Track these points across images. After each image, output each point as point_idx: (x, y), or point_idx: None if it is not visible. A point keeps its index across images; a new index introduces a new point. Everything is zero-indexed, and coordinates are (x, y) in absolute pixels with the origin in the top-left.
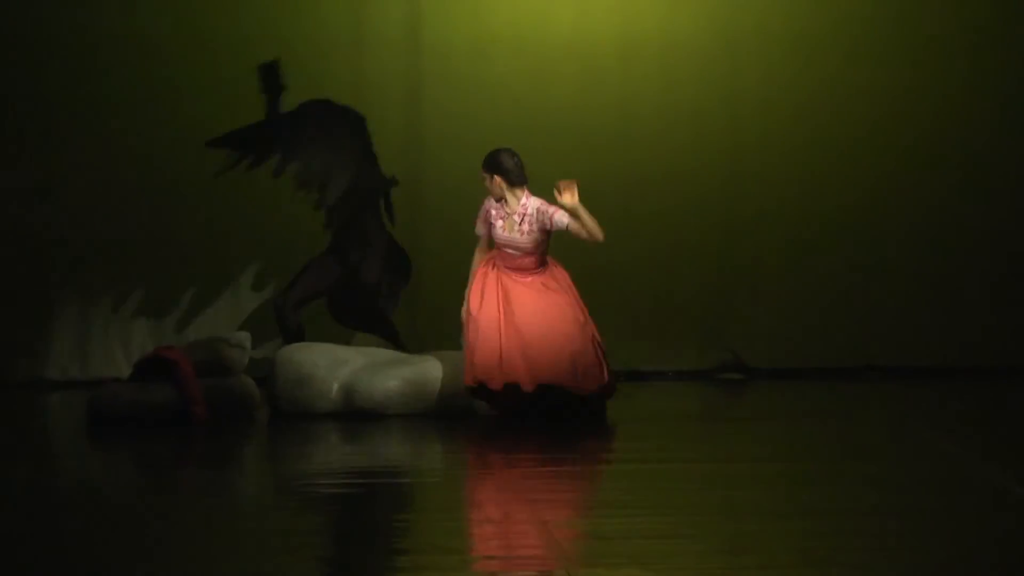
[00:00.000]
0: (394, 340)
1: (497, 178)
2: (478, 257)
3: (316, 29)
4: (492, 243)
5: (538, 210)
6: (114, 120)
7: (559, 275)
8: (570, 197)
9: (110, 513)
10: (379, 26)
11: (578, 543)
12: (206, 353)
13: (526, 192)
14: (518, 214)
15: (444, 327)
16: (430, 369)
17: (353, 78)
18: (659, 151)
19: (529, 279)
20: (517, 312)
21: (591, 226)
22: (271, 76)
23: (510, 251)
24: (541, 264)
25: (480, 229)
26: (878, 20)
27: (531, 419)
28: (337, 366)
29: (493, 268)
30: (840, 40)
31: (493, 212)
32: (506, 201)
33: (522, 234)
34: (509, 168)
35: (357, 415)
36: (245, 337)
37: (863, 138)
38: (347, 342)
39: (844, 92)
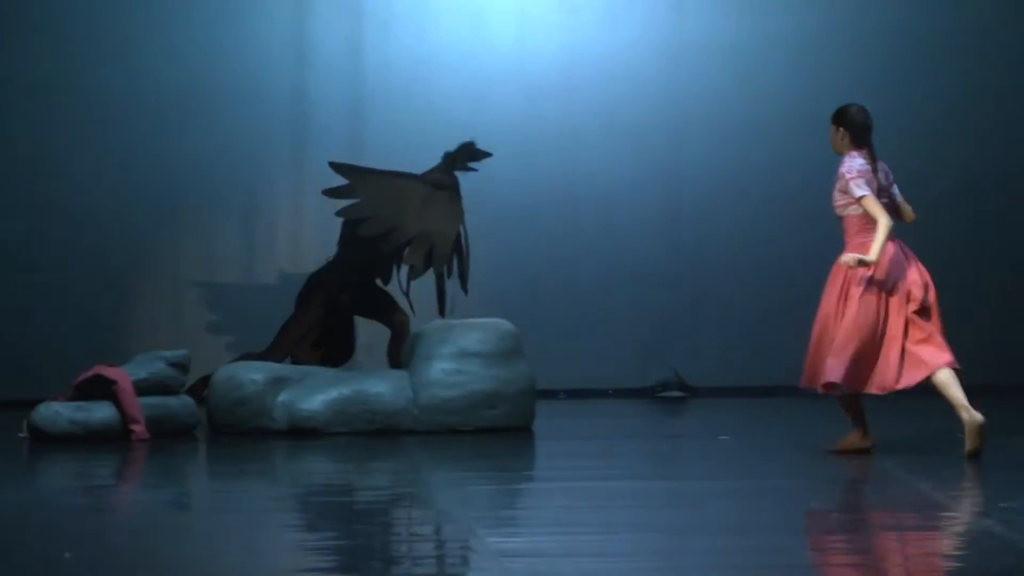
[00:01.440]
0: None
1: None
2: None
3: (260, 47)
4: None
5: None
6: (55, 140)
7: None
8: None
9: (43, 532)
10: (322, 44)
11: (518, 561)
12: (146, 371)
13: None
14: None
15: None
16: (371, 386)
17: (296, 96)
18: (601, 170)
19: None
20: None
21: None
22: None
23: None
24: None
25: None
26: (821, 34)
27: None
28: (276, 384)
29: None
30: (782, 56)
31: None
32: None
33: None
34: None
35: (297, 433)
36: (185, 355)
37: (805, 158)
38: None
39: (787, 110)
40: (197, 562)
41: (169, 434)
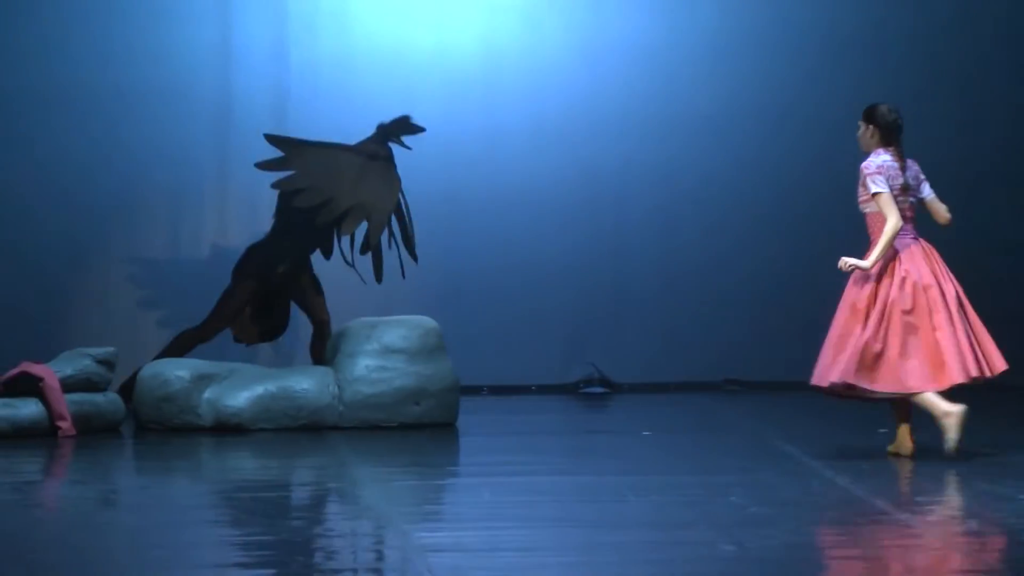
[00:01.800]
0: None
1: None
2: None
3: (185, 47)
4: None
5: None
6: None
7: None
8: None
9: None
10: (247, 41)
11: (442, 556)
12: (73, 368)
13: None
14: None
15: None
16: (296, 383)
17: (222, 92)
18: (523, 166)
19: None
20: None
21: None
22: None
23: None
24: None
25: None
26: (741, 33)
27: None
28: (202, 380)
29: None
30: (697, 54)
31: None
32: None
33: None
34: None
35: (222, 430)
36: (112, 352)
37: (722, 154)
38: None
39: (704, 107)
40: (124, 557)
41: (96, 431)
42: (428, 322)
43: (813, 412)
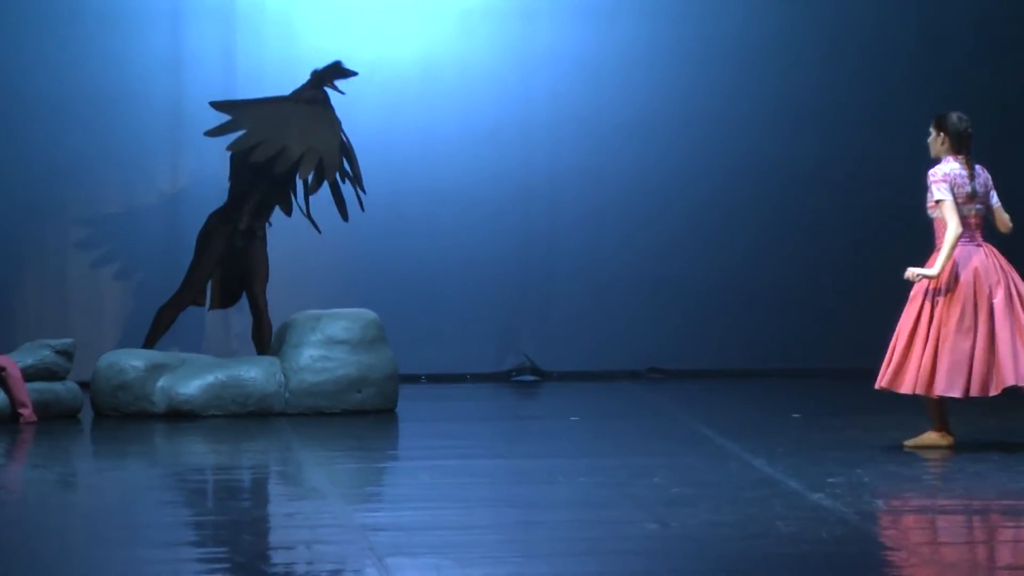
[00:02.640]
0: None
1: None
2: None
3: (139, 51)
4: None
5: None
6: None
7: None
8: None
9: None
10: (196, 51)
11: (382, 535)
12: (33, 359)
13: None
14: None
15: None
16: (244, 372)
17: (174, 96)
18: (458, 168)
19: None
20: None
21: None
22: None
23: None
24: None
25: None
26: (660, 44)
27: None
28: (156, 370)
29: None
30: (625, 64)
31: None
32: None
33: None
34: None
35: (175, 416)
36: (70, 343)
37: (648, 158)
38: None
39: (630, 111)
40: (82, 536)
41: (55, 417)
42: (369, 314)
43: (731, 398)
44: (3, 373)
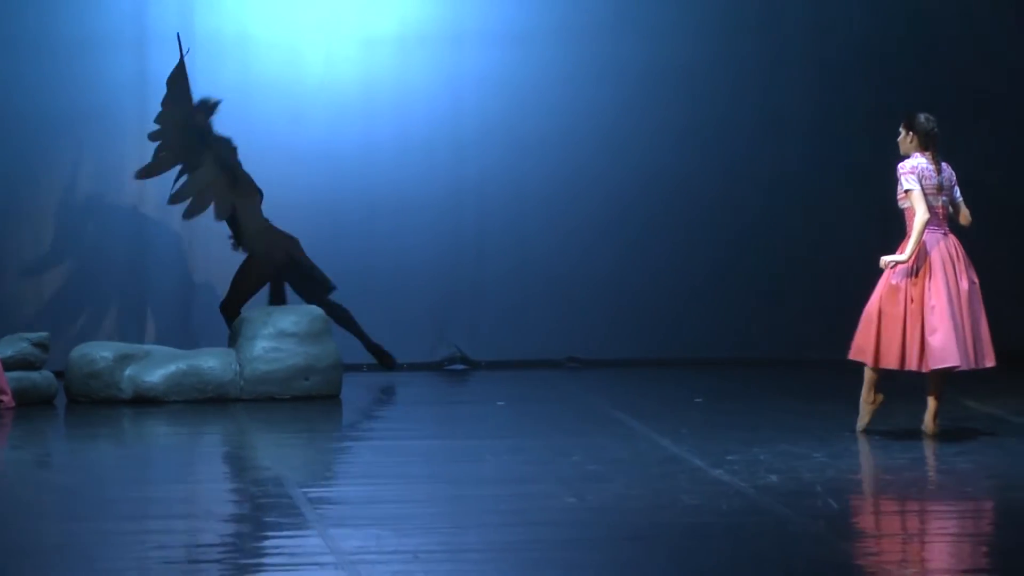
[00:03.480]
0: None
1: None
2: None
3: (108, 72)
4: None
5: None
6: None
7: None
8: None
9: None
10: (160, 73)
11: (329, 508)
12: (12, 350)
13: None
14: None
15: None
16: (203, 362)
17: (140, 114)
18: (395, 177)
19: None
20: None
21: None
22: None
23: None
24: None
25: None
26: (580, 61)
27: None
28: (123, 360)
29: None
30: (546, 84)
31: None
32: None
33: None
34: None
35: (140, 402)
36: (46, 336)
37: (565, 167)
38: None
39: (549, 125)
40: (56, 510)
41: (32, 403)
42: (315, 310)
43: (640, 385)
44: None
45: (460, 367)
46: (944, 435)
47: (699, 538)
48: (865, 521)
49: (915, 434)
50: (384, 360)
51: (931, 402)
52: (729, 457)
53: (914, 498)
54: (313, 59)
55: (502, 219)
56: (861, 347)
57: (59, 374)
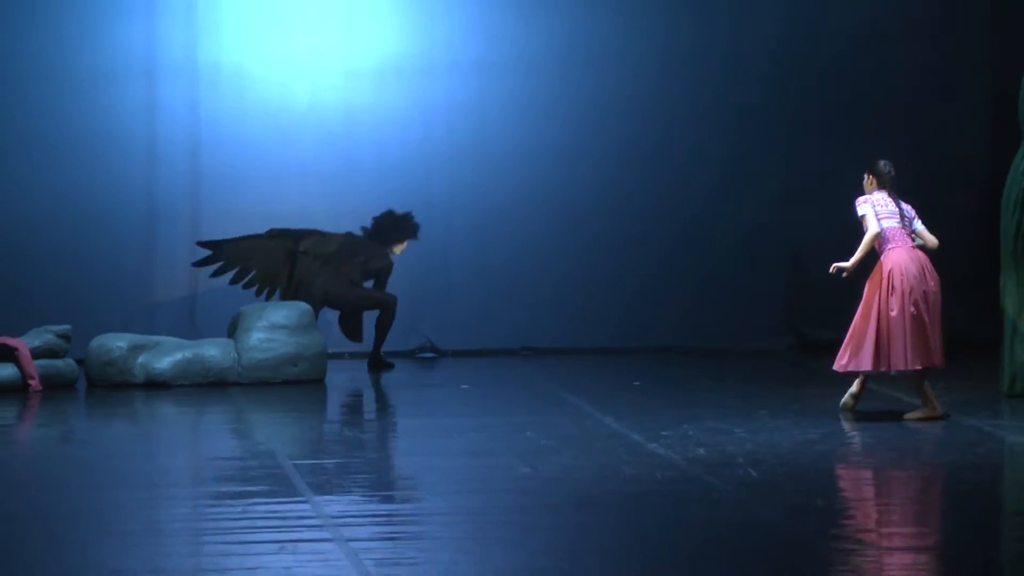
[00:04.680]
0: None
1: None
2: None
3: (120, 100)
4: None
5: None
6: None
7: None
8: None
9: None
10: (167, 100)
11: (313, 476)
12: (39, 341)
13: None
14: None
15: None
16: (206, 351)
17: (149, 138)
18: (373, 191)
19: None
20: None
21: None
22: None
23: None
24: None
25: None
26: (538, 91)
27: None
28: (136, 349)
29: None
30: (507, 109)
31: None
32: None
33: None
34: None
35: (151, 386)
36: (68, 329)
37: (519, 185)
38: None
39: (511, 145)
40: (77, 480)
41: (56, 387)
42: (303, 306)
43: (586, 370)
44: (15, 352)
45: (430, 355)
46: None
47: (637, 503)
48: (779, 487)
49: (827, 412)
50: (383, 366)
51: (857, 386)
52: (663, 433)
53: (822, 467)
54: (301, 89)
55: (467, 229)
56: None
57: (80, 362)
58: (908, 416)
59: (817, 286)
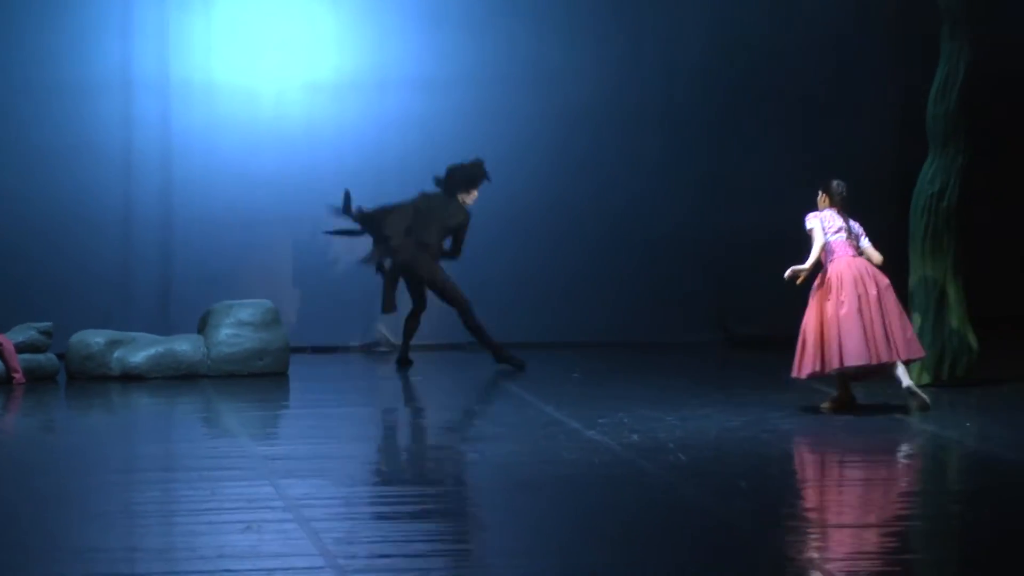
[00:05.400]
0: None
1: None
2: None
3: (99, 113)
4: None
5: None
6: None
7: None
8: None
9: None
10: (143, 112)
11: (279, 463)
12: (23, 336)
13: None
14: None
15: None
16: (178, 346)
17: (124, 149)
18: (332, 198)
19: None
20: None
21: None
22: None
23: None
24: None
25: None
26: (482, 105)
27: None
28: (112, 345)
29: None
30: (456, 123)
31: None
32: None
33: None
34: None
35: (127, 378)
36: (50, 326)
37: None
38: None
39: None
40: (58, 466)
41: (39, 380)
42: (268, 303)
43: (528, 362)
44: (1, 348)
45: (384, 349)
46: (768, 404)
47: (576, 486)
48: (706, 470)
49: (751, 401)
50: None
51: (841, 390)
52: (600, 420)
53: (746, 452)
54: (266, 102)
55: None
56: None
57: (61, 356)
58: (824, 405)
59: (743, 284)
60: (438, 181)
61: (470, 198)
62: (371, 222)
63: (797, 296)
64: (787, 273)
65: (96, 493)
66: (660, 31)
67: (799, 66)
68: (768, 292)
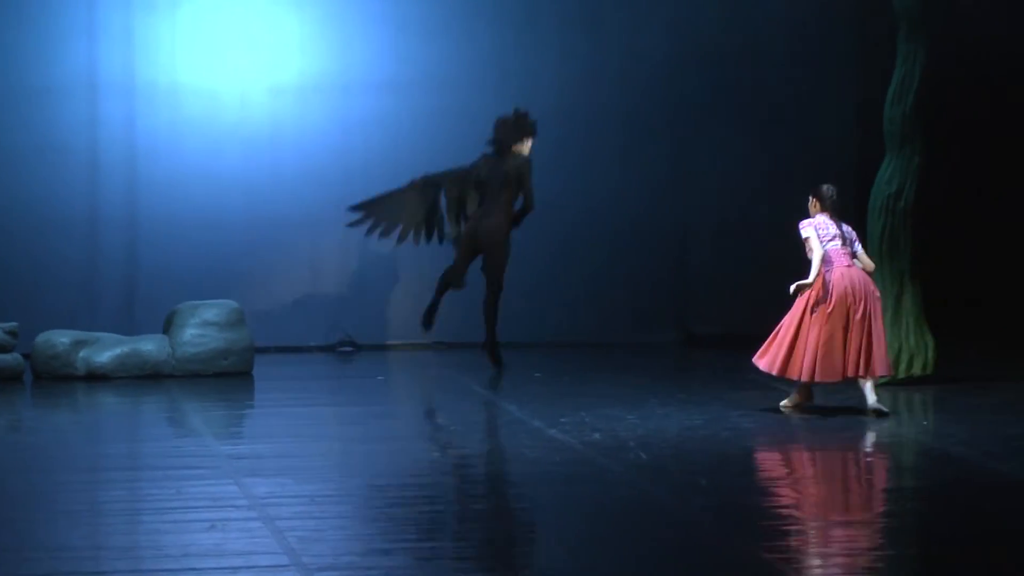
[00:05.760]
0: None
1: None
2: None
3: (65, 115)
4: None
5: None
6: None
7: None
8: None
9: None
10: (109, 113)
11: (243, 462)
12: None
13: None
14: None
15: (160, 315)
16: (143, 345)
17: (90, 149)
18: (297, 199)
19: None
20: None
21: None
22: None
23: None
24: None
25: None
26: (442, 108)
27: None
28: (78, 344)
29: None
30: (419, 125)
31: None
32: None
33: None
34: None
35: (92, 378)
36: (15, 326)
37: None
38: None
39: (424, 159)
40: (25, 464)
41: (4, 379)
42: (233, 304)
43: (490, 363)
44: None
45: (348, 349)
46: (729, 402)
47: (538, 483)
48: (667, 468)
49: (710, 400)
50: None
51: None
52: (562, 419)
53: (706, 450)
54: (230, 104)
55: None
56: (777, 361)
57: (26, 356)
58: (784, 404)
59: (701, 285)
60: (491, 141)
61: (525, 148)
62: (436, 190)
63: (757, 296)
64: (792, 288)
65: (62, 492)
66: (621, 31)
67: (758, 66)
68: (725, 293)
